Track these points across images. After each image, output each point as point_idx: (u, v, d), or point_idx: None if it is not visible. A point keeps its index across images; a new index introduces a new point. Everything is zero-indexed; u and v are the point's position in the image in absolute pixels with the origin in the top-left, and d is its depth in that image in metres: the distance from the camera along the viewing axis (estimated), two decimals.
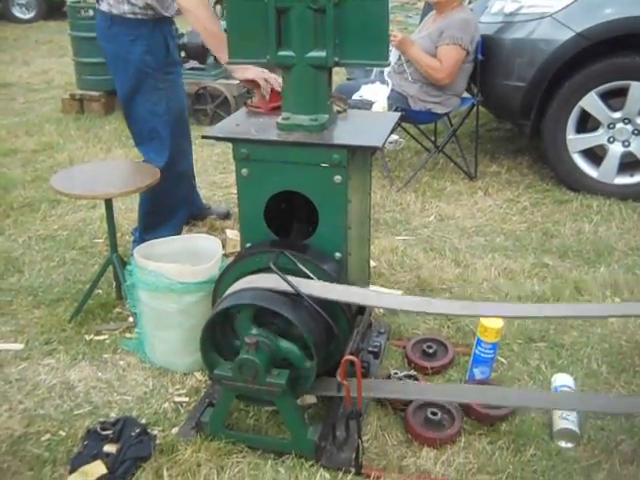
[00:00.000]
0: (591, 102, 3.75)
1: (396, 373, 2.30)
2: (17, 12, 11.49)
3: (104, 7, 2.75)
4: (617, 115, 3.75)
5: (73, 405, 2.26)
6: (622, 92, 3.70)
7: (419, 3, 10.62)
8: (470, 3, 4.67)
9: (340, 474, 1.93)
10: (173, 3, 2.79)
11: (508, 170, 4.35)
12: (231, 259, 2.28)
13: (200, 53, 5.44)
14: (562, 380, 2.25)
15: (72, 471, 1.93)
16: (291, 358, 1.96)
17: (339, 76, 5.93)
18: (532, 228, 3.55)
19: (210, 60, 5.51)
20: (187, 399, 2.28)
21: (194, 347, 2.06)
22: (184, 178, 3.14)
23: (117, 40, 2.76)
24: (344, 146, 1.98)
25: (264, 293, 1.96)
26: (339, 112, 2.23)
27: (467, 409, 2.15)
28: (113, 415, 2.20)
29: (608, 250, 3.27)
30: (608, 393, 2.26)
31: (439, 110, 4.04)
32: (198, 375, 2.39)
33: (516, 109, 3.94)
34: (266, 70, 2.36)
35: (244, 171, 2.08)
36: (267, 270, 1.99)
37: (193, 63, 5.58)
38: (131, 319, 2.66)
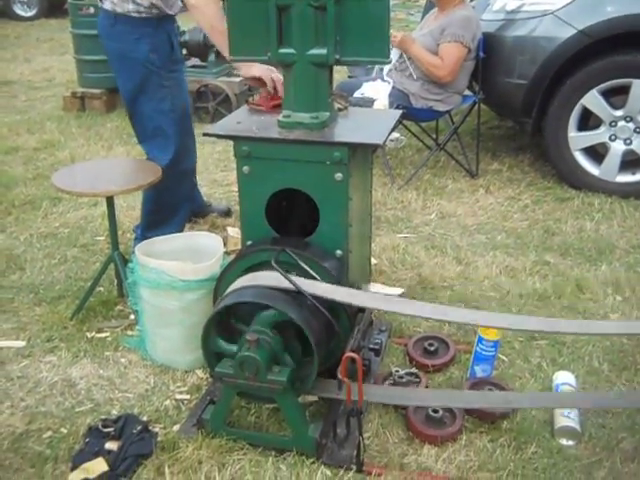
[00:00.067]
0: (593, 100, 3.74)
1: (397, 371, 2.30)
2: (18, 10, 11.49)
3: (107, 6, 2.74)
4: (619, 113, 3.74)
5: (74, 402, 2.26)
6: (624, 90, 3.69)
7: (420, 0, 10.64)
8: (472, 0, 4.66)
9: (341, 471, 1.93)
10: (177, 1, 2.79)
11: (509, 168, 4.35)
12: (232, 257, 2.29)
13: (201, 51, 5.44)
14: (563, 378, 2.25)
15: (73, 468, 1.94)
16: (293, 355, 1.96)
17: (340, 74, 5.93)
18: (533, 226, 3.55)
19: (211, 58, 5.51)
20: (188, 396, 2.28)
21: (195, 345, 2.06)
22: (187, 176, 3.14)
23: (121, 39, 2.76)
24: (345, 144, 1.98)
25: (265, 291, 1.96)
26: (340, 110, 2.23)
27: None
28: (114, 412, 2.20)
29: (609, 248, 3.27)
30: (609, 391, 2.26)
31: (440, 108, 4.04)
32: (199, 372, 2.39)
33: (518, 107, 3.94)
34: (272, 67, 2.36)
35: (245, 169, 2.08)
36: (268, 268, 1.99)
37: (194, 61, 5.58)
38: (132, 317, 2.66)
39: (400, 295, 2.84)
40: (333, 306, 2.01)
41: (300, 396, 2.05)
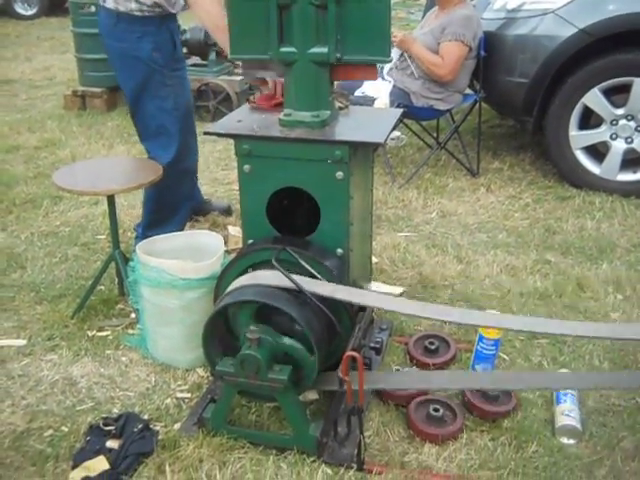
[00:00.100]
0: (594, 99, 3.74)
1: (398, 369, 2.30)
2: (19, 8, 11.49)
3: (110, 4, 2.74)
4: (620, 112, 3.74)
5: (75, 401, 2.26)
6: (625, 88, 3.69)
7: None
8: None
9: (342, 470, 1.93)
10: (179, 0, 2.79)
11: (510, 167, 4.34)
12: (233, 255, 2.29)
13: (202, 49, 5.45)
14: None
15: (74, 467, 1.94)
16: (293, 354, 1.96)
17: None
18: (534, 225, 3.55)
19: (212, 56, 5.52)
20: (189, 395, 2.28)
21: (196, 343, 2.06)
22: (188, 174, 3.15)
23: (124, 37, 2.76)
24: (346, 142, 1.98)
25: (266, 289, 1.96)
26: (341, 108, 2.23)
27: (469, 405, 2.15)
28: (115, 411, 2.20)
29: (610, 247, 3.27)
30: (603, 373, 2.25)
31: (441, 106, 4.04)
32: (200, 371, 2.39)
33: (519, 105, 3.94)
34: None
35: (246, 167, 2.08)
36: (269, 266, 1.99)
37: (195, 59, 5.58)
38: (133, 315, 2.66)
39: (400, 294, 2.84)
40: (334, 305, 2.01)
41: (301, 395, 2.05)
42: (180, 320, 2.33)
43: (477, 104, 4.18)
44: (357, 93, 3.91)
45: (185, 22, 4.11)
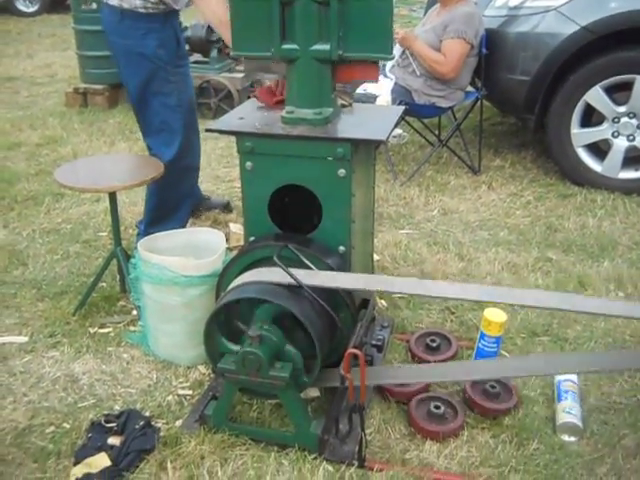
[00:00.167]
0: (596, 96, 3.73)
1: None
2: (21, 5, 11.49)
3: (113, 1, 2.74)
4: (622, 109, 3.74)
5: (77, 398, 2.26)
6: (627, 86, 3.68)
7: None
8: None
9: (343, 467, 1.94)
10: None
11: (512, 164, 4.34)
12: (235, 253, 2.29)
13: (203, 46, 5.45)
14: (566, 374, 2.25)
15: (76, 463, 1.94)
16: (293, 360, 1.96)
17: None
18: (536, 222, 3.55)
19: (214, 54, 5.51)
20: (191, 392, 2.28)
21: (198, 340, 2.07)
22: (191, 171, 3.15)
23: (128, 34, 2.77)
24: (348, 140, 1.98)
25: (267, 287, 1.96)
26: (344, 106, 2.23)
27: (470, 403, 2.16)
28: (117, 408, 2.21)
29: (612, 244, 3.27)
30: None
31: (443, 104, 4.04)
32: (202, 368, 2.39)
33: (520, 103, 3.94)
34: None
35: (248, 165, 2.08)
36: (271, 264, 1.99)
37: (196, 57, 5.58)
38: (135, 312, 2.66)
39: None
40: (335, 302, 2.01)
41: (302, 392, 2.05)
42: (182, 317, 2.33)
43: (479, 102, 4.17)
44: (359, 91, 3.91)
45: (186, 19, 4.11)
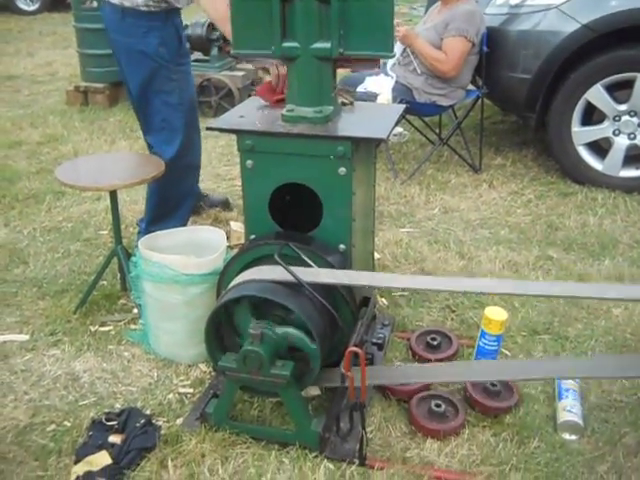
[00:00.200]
0: (597, 94, 3.73)
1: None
2: (21, 4, 11.49)
3: None
4: (623, 107, 3.73)
5: (78, 396, 2.26)
6: (628, 84, 3.68)
7: None
8: None
9: (344, 465, 1.94)
10: None
11: (513, 163, 4.34)
12: (235, 251, 2.29)
13: (204, 45, 5.45)
14: None
15: (77, 461, 1.94)
16: (296, 343, 1.95)
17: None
18: (537, 221, 3.54)
19: (214, 52, 5.52)
20: (191, 390, 2.28)
21: (198, 338, 2.07)
22: (192, 169, 3.15)
23: (130, 32, 2.77)
24: (348, 138, 1.97)
25: (268, 285, 1.96)
26: (345, 104, 2.23)
27: (471, 401, 2.16)
28: (118, 406, 2.21)
29: (613, 243, 3.26)
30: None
31: (444, 102, 4.03)
32: (202, 366, 2.39)
33: (521, 101, 3.93)
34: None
35: (249, 163, 2.08)
36: (271, 262, 1.99)
37: (197, 55, 5.58)
38: (136, 310, 2.67)
39: (403, 290, 2.84)
40: (336, 301, 2.01)
41: (303, 390, 2.05)
42: (182, 315, 2.33)
43: (479, 100, 4.17)
44: (359, 89, 3.90)
45: (186, 17, 4.09)
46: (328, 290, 2.00)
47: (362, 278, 2.05)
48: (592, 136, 3.87)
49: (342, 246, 2.10)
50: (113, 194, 2.64)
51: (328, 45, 1.94)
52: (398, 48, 4.00)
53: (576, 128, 3.84)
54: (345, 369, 1.86)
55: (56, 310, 2.72)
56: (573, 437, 2.05)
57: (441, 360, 2.37)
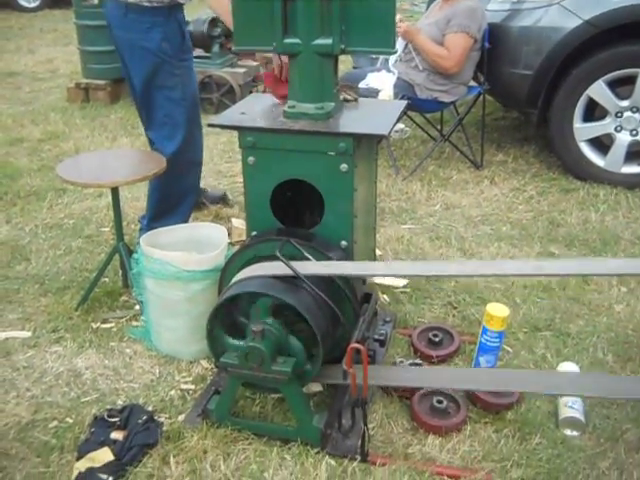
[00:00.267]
0: (598, 90, 3.72)
1: (402, 361, 2.30)
2: (22, 1, 11.49)
3: None
4: (625, 103, 3.73)
5: (80, 392, 2.27)
6: (630, 80, 3.67)
7: None
8: None
9: (345, 461, 1.94)
10: None
11: (514, 159, 4.34)
12: (237, 247, 2.29)
13: (205, 41, 5.45)
14: (567, 369, 2.25)
15: (79, 458, 1.95)
16: (295, 352, 1.96)
17: (345, 64, 5.91)
18: (538, 217, 3.54)
19: (215, 48, 5.51)
20: (193, 387, 2.29)
21: (200, 335, 2.07)
22: (194, 166, 3.14)
23: (133, 28, 2.77)
24: (350, 134, 1.97)
25: (270, 281, 1.96)
26: (347, 100, 2.22)
27: (473, 397, 2.16)
28: (120, 402, 2.21)
29: (614, 239, 3.26)
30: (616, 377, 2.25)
31: (445, 99, 4.03)
32: (204, 363, 2.39)
33: (523, 97, 3.92)
34: None
35: (250, 159, 2.08)
36: (273, 258, 1.99)
37: (198, 52, 5.56)
38: (137, 307, 2.67)
39: (404, 286, 2.84)
40: (338, 297, 2.01)
41: (305, 386, 2.05)
42: (184, 312, 2.33)
43: (481, 96, 4.17)
44: (361, 85, 3.90)
45: (188, 14, 4.08)
46: (330, 286, 2.00)
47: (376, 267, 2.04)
48: (594, 132, 3.87)
49: (344, 242, 2.10)
50: (115, 191, 2.64)
51: (329, 41, 1.94)
52: (400, 44, 3.99)
53: (578, 124, 3.83)
54: (347, 365, 1.86)
55: (58, 307, 2.73)
56: (575, 433, 2.05)
57: (443, 356, 2.38)
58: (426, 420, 2.06)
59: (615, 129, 3.78)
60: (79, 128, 5.15)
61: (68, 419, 2.13)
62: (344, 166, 1.99)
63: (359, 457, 1.94)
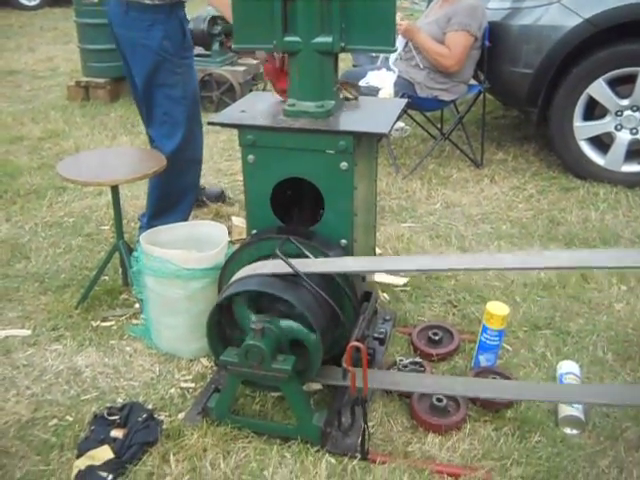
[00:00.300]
0: (599, 89, 3.72)
1: (401, 360, 2.30)
2: None
3: None
4: (625, 102, 3.72)
5: (80, 390, 2.27)
6: (630, 79, 3.67)
7: None
8: None
9: (345, 460, 1.94)
10: None
11: (514, 158, 4.34)
12: (237, 246, 2.29)
13: (205, 39, 5.44)
14: (567, 367, 2.25)
15: (79, 456, 1.95)
16: (296, 336, 1.95)
17: (345, 62, 5.90)
18: (538, 216, 3.54)
19: (215, 47, 5.51)
20: (193, 385, 2.29)
21: (200, 333, 2.07)
22: (194, 164, 3.14)
23: (134, 26, 2.77)
24: (350, 132, 1.97)
25: (269, 279, 1.96)
26: (347, 99, 2.22)
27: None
28: (120, 400, 2.21)
29: (614, 238, 3.26)
30: (615, 385, 2.25)
31: (446, 97, 4.03)
32: (204, 361, 2.40)
33: (523, 96, 3.92)
34: None
35: (250, 158, 2.08)
36: (273, 256, 1.99)
37: (198, 50, 5.56)
38: (137, 305, 2.67)
39: (404, 285, 2.84)
40: (337, 295, 2.01)
41: (305, 384, 2.06)
42: (184, 310, 2.33)
43: (481, 95, 4.17)
44: (361, 83, 3.89)
45: (188, 12, 4.08)
46: (329, 284, 2.00)
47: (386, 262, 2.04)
48: (594, 131, 3.87)
49: (344, 241, 2.10)
50: (115, 189, 2.64)
51: (330, 39, 1.94)
52: (400, 42, 3.99)
53: (578, 123, 3.83)
54: (347, 364, 1.86)
55: (58, 305, 2.73)
56: (574, 432, 2.05)
57: (443, 355, 2.38)
58: (426, 418, 2.06)
59: (615, 128, 3.78)
60: (79, 126, 5.14)
61: (68, 417, 2.13)
62: (344, 164, 1.99)
63: (359, 455, 1.94)
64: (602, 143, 3.89)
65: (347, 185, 2.03)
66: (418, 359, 2.33)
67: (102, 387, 2.28)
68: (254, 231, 2.18)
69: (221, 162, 4.39)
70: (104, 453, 1.94)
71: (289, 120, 2.03)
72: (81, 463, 1.91)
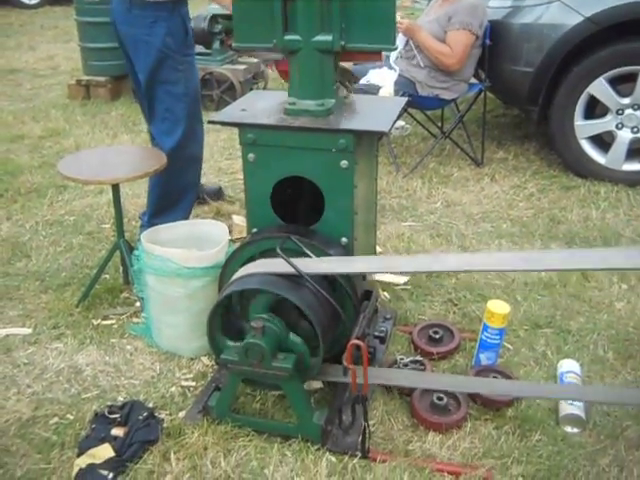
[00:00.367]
0: (600, 88, 3.72)
1: (402, 358, 2.30)
2: None
3: None
4: (626, 101, 3.72)
5: (81, 389, 2.27)
6: (631, 78, 3.67)
7: None
8: None
9: (346, 458, 1.94)
10: None
11: (515, 156, 4.33)
12: (238, 244, 2.29)
13: (206, 38, 5.44)
14: (568, 366, 2.25)
15: (80, 454, 1.95)
16: (297, 351, 1.96)
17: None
18: (539, 214, 3.54)
19: (216, 45, 5.51)
20: (194, 383, 2.29)
21: (201, 332, 2.07)
22: (194, 161, 3.14)
23: (137, 23, 2.78)
24: (350, 131, 1.97)
25: (270, 278, 1.96)
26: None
27: (473, 394, 2.15)
28: (120, 399, 2.21)
29: (615, 237, 3.26)
30: (615, 386, 2.25)
31: (446, 96, 4.02)
32: (205, 359, 2.40)
33: (524, 95, 3.92)
34: None
35: (250, 156, 2.08)
36: (274, 255, 1.99)
37: (199, 48, 5.56)
38: (138, 304, 2.67)
39: (404, 283, 2.84)
40: (338, 294, 2.01)
41: (305, 383, 2.06)
42: (185, 309, 2.33)
43: (482, 93, 4.16)
44: (362, 81, 3.90)
45: (189, 10, 4.08)
46: (330, 283, 2.00)
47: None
48: (595, 130, 3.86)
49: (344, 239, 2.09)
50: (115, 187, 2.64)
51: (330, 38, 1.93)
52: (401, 41, 3.99)
53: (579, 121, 3.83)
54: (347, 362, 1.86)
55: (59, 304, 2.73)
56: (575, 430, 2.05)
57: (443, 353, 2.38)
58: (426, 417, 2.06)
59: (616, 126, 3.77)
60: (80, 125, 5.14)
61: (69, 415, 2.14)
62: (344, 163, 1.99)
63: (359, 454, 1.94)
64: (603, 142, 3.89)
65: (347, 183, 2.02)
66: (419, 357, 2.32)
67: (103, 385, 2.29)
68: (254, 230, 2.18)
69: (222, 161, 4.40)
70: (105, 451, 1.94)
71: (289, 119, 2.03)
72: (82, 461, 1.92)
